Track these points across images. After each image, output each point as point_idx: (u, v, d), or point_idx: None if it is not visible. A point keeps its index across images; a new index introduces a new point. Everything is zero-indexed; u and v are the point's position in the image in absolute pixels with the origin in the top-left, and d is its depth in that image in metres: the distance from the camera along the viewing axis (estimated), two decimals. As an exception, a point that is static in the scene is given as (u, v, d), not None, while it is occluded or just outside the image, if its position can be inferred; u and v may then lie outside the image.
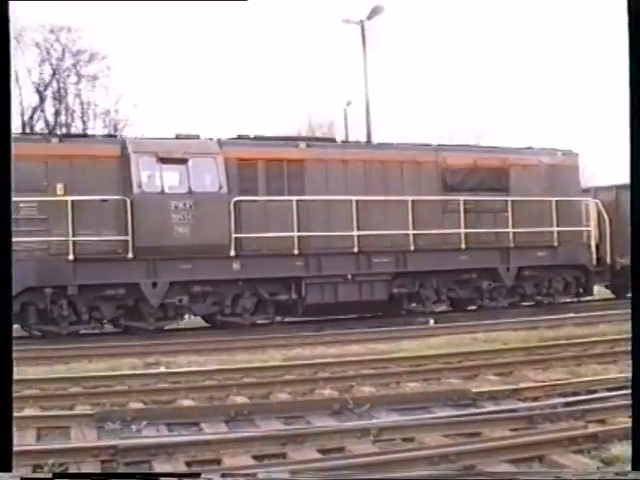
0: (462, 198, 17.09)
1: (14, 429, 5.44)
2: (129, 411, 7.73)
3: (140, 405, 8.33)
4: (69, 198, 13.90)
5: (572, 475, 5.13)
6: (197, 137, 15.64)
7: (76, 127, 32.86)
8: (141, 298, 14.51)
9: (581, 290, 18.69)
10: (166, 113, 48.73)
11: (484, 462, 5.76)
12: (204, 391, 9.01)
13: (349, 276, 15.99)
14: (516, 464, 5.80)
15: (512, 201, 17.68)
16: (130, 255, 14.23)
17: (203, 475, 5.05)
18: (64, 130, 30.88)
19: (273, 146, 16.05)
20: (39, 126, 32.20)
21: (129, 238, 14.19)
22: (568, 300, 18.89)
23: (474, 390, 8.53)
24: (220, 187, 14.98)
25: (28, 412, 8.08)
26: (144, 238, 14.30)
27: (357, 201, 16.05)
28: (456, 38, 57.97)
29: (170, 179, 14.67)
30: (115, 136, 18.78)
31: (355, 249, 16.02)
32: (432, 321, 16.30)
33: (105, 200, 14.19)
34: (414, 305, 17.02)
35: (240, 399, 8.59)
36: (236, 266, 15.13)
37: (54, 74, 32.91)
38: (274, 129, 37.15)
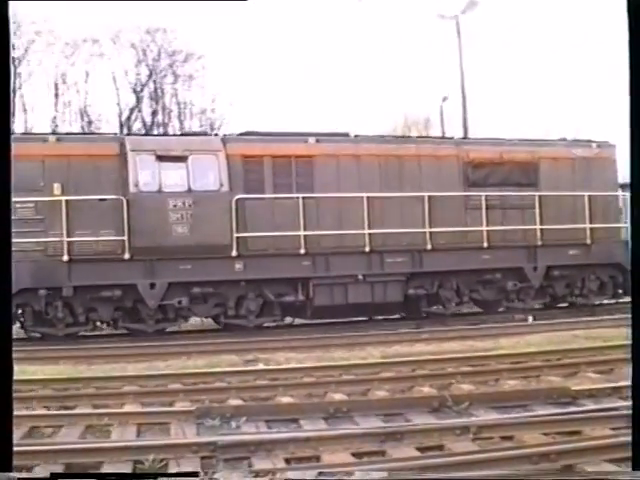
0: (484, 194, 16.14)
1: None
2: (228, 408, 7.74)
3: (239, 402, 8.37)
4: (63, 198, 13.64)
5: (572, 475, 5.11)
6: (204, 134, 15.21)
7: (173, 126, 33.59)
8: (139, 299, 14.15)
9: (620, 291, 17.42)
10: (262, 111, 48.96)
11: (585, 461, 5.70)
12: (303, 388, 9.01)
13: (360, 277, 15.26)
14: (617, 463, 5.65)
15: (540, 196, 16.62)
16: (127, 255, 13.88)
17: (202, 475, 5.04)
18: (161, 130, 31.52)
19: (281, 142, 15.46)
20: (136, 126, 32.93)
21: (125, 238, 13.84)
22: (606, 302, 17.68)
23: (574, 388, 8.45)
24: (221, 185, 14.49)
25: (128, 408, 8.17)
26: (141, 238, 13.93)
27: (368, 198, 15.31)
28: (550, 31, 56.06)
29: (168, 177, 14.22)
30: (115, 134, 18.44)
31: (367, 248, 15.28)
32: (531, 318, 15.76)
33: (104, 199, 13.88)
34: (434, 307, 16.18)
35: (338, 396, 8.58)
36: (239, 266, 14.61)
37: (150, 75, 33.56)
38: (370, 127, 36.92)
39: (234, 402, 8.32)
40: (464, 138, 17.34)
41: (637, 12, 3.95)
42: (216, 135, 15.20)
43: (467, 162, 16.37)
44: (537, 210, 16.54)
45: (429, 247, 15.71)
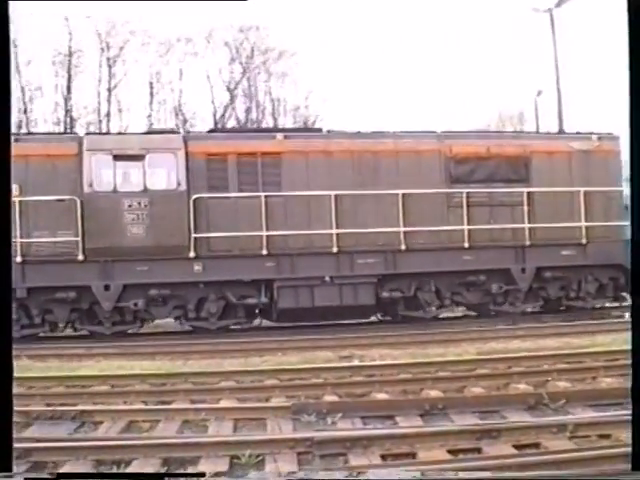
0: (465, 190, 15.25)
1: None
2: (324, 404, 7.76)
3: (335, 398, 8.39)
4: (17, 199, 13.56)
5: (572, 475, 5.12)
6: (171, 132, 14.93)
7: (267, 123, 33.95)
8: (96, 301, 13.97)
9: (623, 293, 16.20)
10: (356, 107, 48.92)
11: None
12: (398, 385, 8.98)
13: (327, 278, 14.65)
14: None
15: (530, 193, 15.59)
16: (80, 257, 13.72)
17: (208, 475, 5.02)
18: (255, 126, 31.74)
19: (246, 139, 15.00)
20: (231, 123, 33.41)
21: (79, 239, 13.68)
22: (608, 305, 16.52)
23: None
24: (178, 184, 14.14)
25: (225, 404, 8.25)
26: (95, 239, 13.75)
27: (336, 196, 14.67)
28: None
29: (124, 177, 14.00)
30: (75, 134, 18.31)
31: (334, 249, 14.65)
32: (627, 315, 14.86)
33: (60, 200, 13.76)
34: (416, 311, 15.39)
35: (434, 393, 8.56)
36: (197, 268, 14.24)
37: (244, 72, 34.04)
38: (463, 123, 36.30)
39: (330, 398, 8.36)
40: (449, 132, 16.23)
41: (637, 12, 3.93)
42: (178, 133, 14.81)
43: (450, 157, 15.49)
44: (525, 208, 15.52)
45: (403, 247, 14.94)
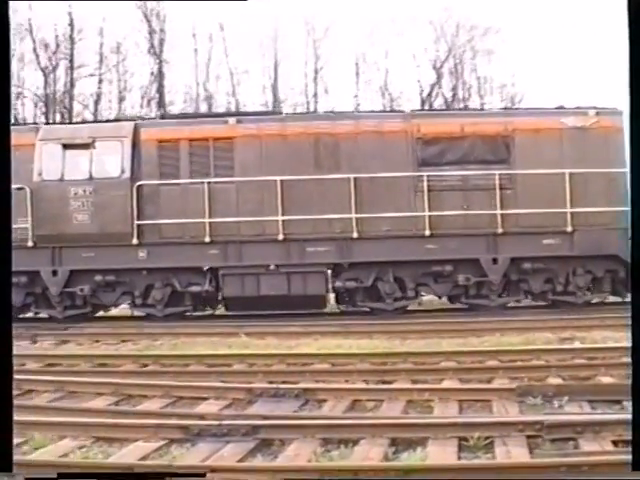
0: (426, 174, 14.12)
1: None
2: (550, 386, 7.62)
3: (559, 381, 8.24)
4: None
5: (572, 475, 4.94)
6: (126, 119, 15.08)
7: (473, 102, 33.96)
8: (46, 286, 14.44)
9: (622, 287, 14.26)
10: (563, 84, 47.63)
11: None
12: (624, 368, 8.35)
13: (272, 267, 14.15)
14: None
15: (502, 176, 14.14)
16: (30, 243, 14.22)
17: (209, 475, 5.05)
18: (461, 106, 31.99)
19: (199, 124, 14.80)
20: (438, 102, 33.75)
21: (28, 226, 14.18)
22: (612, 299, 14.63)
23: None
24: (122, 172, 14.24)
25: (448, 384, 8.28)
26: (43, 226, 14.20)
27: (282, 181, 14.11)
28: None
29: (71, 166, 14.29)
30: (36, 124, 18.74)
31: (280, 236, 14.12)
32: None
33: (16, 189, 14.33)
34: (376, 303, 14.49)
35: None
36: (142, 255, 14.28)
37: (449, 51, 34.22)
38: None
39: (554, 381, 8.16)
40: (420, 110, 15.08)
41: (637, 12, 3.87)
42: (131, 120, 14.90)
43: (418, 138, 14.39)
44: (497, 192, 14.09)
45: (355, 235, 14.10)
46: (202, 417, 6.58)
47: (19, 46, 34.72)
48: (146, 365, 9.82)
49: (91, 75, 35.10)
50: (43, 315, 14.85)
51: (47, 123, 16.52)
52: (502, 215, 14.08)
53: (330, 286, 14.42)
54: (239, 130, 14.54)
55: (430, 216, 14.07)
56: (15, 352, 9.50)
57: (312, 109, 32.32)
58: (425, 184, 14.07)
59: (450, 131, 14.40)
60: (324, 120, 14.80)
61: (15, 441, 5.57)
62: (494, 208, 14.13)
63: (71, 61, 34.53)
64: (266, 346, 11.05)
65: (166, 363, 9.79)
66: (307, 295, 14.18)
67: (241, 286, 14.19)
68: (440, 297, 14.90)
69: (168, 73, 34.41)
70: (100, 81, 35.00)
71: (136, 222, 14.13)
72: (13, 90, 35.72)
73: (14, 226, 13.72)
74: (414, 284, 14.40)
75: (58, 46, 34.52)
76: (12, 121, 30.99)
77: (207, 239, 14.13)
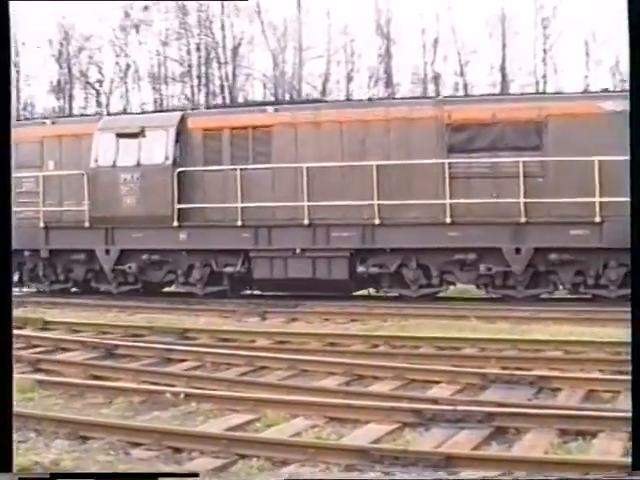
0: (448, 161, 14.03)
1: None
2: None
3: None
4: (40, 174, 15.96)
5: (572, 476, 4.93)
6: (181, 110, 16.10)
7: None
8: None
9: None
10: None
11: None
12: None
13: (298, 250, 14.68)
14: None
15: (541, 163, 13.75)
16: (87, 224, 15.69)
17: (202, 475, 5.16)
18: None
19: (239, 113, 15.56)
20: None
21: (85, 209, 15.64)
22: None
23: None
24: (166, 158, 15.29)
25: None
26: (97, 208, 15.60)
27: (307, 168, 14.56)
28: None
29: (122, 153, 15.53)
30: (101, 115, 19.84)
31: (305, 221, 14.61)
32: None
33: (75, 174, 15.83)
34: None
35: None
36: (183, 236, 15.31)
37: None
38: None
39: None
40: (452, 96, 14.86)
41: (638, 15, 3.81)
42: (181, 110, 15.85)
43: (448, 124, 14.29)
44: (521, 180, 13.70)
45: (377, 222, 14.30)
46: (435, 401, 6.55)
47: (248, 28, 37.15)
48: (376, 346, 9.86)
49: (319, 56, 36.17)
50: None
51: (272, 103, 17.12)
52: (526, 204, 13.70)
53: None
54: (276, 118, 15.15)
55: (451, 204, 13.98)
56: (245, 328, 11.14)
57: (541, 89, 32.05)
58: (446, 171, 13.98)
59: (480, 117, 14.16)
60: (356, 108, 15.04)
61: (247, 417, 6.19)
62: (526, 196, 13.78)
63: (299, 42, 35.71)
64: (498, 331, 10.81)
65: (396, 344, 9.84)
66: (332, 279, 14.61)
67: (270, 268, 14.86)
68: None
69: (395, 54, 34.87)
70: (328, 62, 35.92)
71: (176, 206, 15.16)
72: (243, 72, 38.59)
73: (76, 208, 15.27)
74: (439, 272, 14.38)
75: (286, 28, 35.96)
76: (243, 101, 33.18)
77: (239, 223, 14.91)
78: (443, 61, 34.96)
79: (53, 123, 16.82)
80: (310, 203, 14.56)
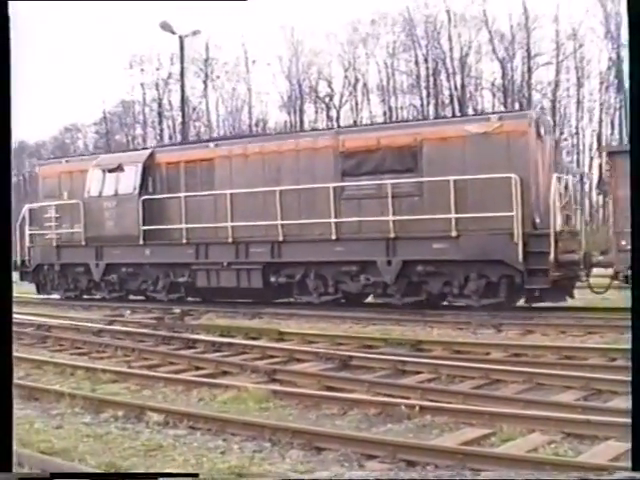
0: (333, 185, 15.98)
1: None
2: None
3: None
4: (53, 203, 19.93)
5: (572, 475, 4.90)
6: (160, 146, 19.36)
7: None
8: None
9: (536, 293, 14.34)
10: None
11: None
12: None
13: (225, 264, 17.26)
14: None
15: (404, 184, 15.32)
16: (83, 242, 19.40)
17: (201, 475, 5.19)
18: None
19: (192, 149, 18.49)
20: None
21: (81, 230, 19.36)
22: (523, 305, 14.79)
23: None
24: (134, 189, 18.56)
25: None
26: (89, 230, 19.24)
27: (231, 194, 17.13)
28: None
29: (107, 185, 19.04)
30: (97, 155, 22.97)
31: (229, 239, 17.18)
32: None
33: (79, 203, 19.63)
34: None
35: None
36: (147, 252, 18.49)
37: None
38: None
39: None
40: (347, 127, 16.64)
41: (637, 16, 3.94)
42: (151, 148, 18.98)
43: (342, 152, 16.24)
44: (389, 200, 15.28)
45: (281, 239, 16.52)
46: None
47: (475, 37, 38.57)
48: (614, 359, 9.47)
49: (548, 63, 36.72)
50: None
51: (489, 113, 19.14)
52: (394, 221, 15.25)
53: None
54: (216, 152, 17.94)
55: (336, 222, 15.87)
56: (478, 340, 11.75)
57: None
58: (331, 193, 15.93)
59: (367, 144, 15.94)
60: (274, 141, 17.45)
61: (483, 432, 6.07)
62: (404, 214, 15.32)
63: (527, 50, 36.44)
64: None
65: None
66: (250, 287, 17.06)
67: (207, 278, 17.60)
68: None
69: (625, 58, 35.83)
70: (557, 69, 36.45)
71: (142, 227, 18.38)
72: (472, 82, 40.28)
73: (75, 230, 19.04)
74: (334, 281, 16.28)
75: (514, 36, 36.97)
76: (471, 113, 34.66)
77: (184, 241, 17.82)
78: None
79: (67, 161, 20.84)
80: (233, 224, 17.14)
